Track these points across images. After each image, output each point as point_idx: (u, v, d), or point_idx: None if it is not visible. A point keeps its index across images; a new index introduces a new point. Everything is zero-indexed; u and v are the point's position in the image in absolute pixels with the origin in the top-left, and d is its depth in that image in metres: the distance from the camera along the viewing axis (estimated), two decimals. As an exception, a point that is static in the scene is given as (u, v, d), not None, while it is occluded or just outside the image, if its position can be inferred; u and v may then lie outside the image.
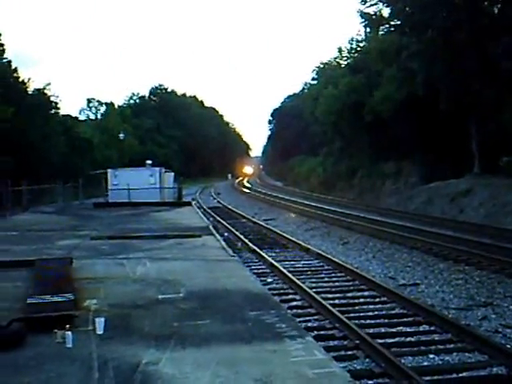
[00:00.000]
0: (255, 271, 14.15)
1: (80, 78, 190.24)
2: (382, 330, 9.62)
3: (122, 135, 61.43)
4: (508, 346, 8.52)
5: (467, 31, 32.53)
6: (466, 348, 8.56)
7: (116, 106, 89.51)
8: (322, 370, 5.72)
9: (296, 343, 6.54)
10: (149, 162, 40.21)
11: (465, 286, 12.84)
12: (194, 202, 36.64)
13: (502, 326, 9.74)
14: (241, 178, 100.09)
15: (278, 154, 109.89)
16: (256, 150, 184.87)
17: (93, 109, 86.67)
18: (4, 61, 43.59)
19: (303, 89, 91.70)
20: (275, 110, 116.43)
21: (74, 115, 68.36)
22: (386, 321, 10.12)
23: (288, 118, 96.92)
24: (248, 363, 5.88)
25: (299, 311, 10.66)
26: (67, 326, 6.81)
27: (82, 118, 79.80)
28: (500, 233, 20.36)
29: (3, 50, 43.55)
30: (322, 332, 9.38)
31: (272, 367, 5.75)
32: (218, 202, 46.53)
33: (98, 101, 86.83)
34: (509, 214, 24.02)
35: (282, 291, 12.40)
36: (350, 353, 8.48)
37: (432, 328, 9.57)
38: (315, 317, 10.36)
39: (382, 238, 20.89)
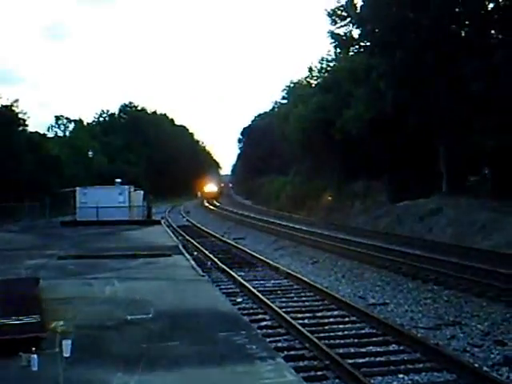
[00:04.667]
0: (225, 291, 14.05)
1: (49, 95, 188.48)
2: (352, 349, 9.61)
3: (90, 153, 60.98)
4: (476, 365, 8.58)
5: (435, 53, 33.15)
6: (435, 367, 8.60)
7: (85, 124, 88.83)
8: (293, 391, 5.70)
9: (266, 364, 6.50)
10: (118, 180, 39.91)
11: (433, 306, 12.94)
12: (163, 221, 36.42)
13: (470, 345, 9.82)
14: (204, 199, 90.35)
15: (248, 173, 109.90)
16: (226, 169, 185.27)
17: (61, 126, 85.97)
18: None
19: (273, 108, 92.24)
20: (245, 129, 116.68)
21: (42, 132, 67.62)
22: (356, 341, 10.11)
23: (258, 137, 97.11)
24: (219, 386, 5.83)
25: (269, 331, 10.60)
26: (33, 348, 6.67)
27: (51, 135, 78.96)
28: (468, 252, 20.61)
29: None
30: (291, 352, 9.33)
31: (243, 390, 5.71)
32: (188, 220, 46.32)
33: (66, 118, 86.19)
34: (476, 234, 24.35)
35: (251, 311, 12.34)
36: (319, 373, 8.46)
37: (401, 347, 9.60)
38: (285, 337, 10.32)
39: (352, 258, 20.98)
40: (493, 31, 33.42)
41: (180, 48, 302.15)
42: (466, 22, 34.46)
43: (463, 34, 34.93)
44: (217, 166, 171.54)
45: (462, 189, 34.47)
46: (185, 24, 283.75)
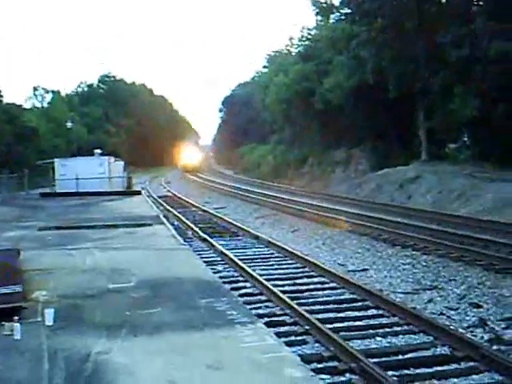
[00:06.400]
0: (206, 259, 14.14)
1: (26, 66, 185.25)
2: (331, 315, 9.77)
3: (69, 124, 60.26)
4: (452, 327, 8.80)
5: (416, 20, 33.15)
6: (412, 330, 8.81)
7: (63, 95, 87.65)
8: (273, 354, 5.81)
9: (247, 329, 6.61)
10: (98, 151, 39.58)
11: (412, 271, 13.17)
12: (143, 191, 36.35)
13: (446, 308, 10.06)
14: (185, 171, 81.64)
15: (229, 142, 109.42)
16: (207, 138, 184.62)
17: (39, 97, 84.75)
18: None
19: (254, 77, 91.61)
20: (226, 98, 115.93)
21: (19, 104, 66.63)
22: (335, 306, 10.29)
23: (239, 106, 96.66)
24: (200, 350, 5.92)
25: (250, 298, 10.73)
26: (15, 317, 6.72)
27: (28, 106, 77.84)
28: (446, 218, 20.89)
29: None
30: (272, 318, 9.48)
31: (224, 353, 5.81)
32: (168, 191, 46.24)
33: (43, 89, 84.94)
34: (455, 200, 24.67)
35: (232, 279, 12.46)
36: (299, 338, 8.62)
37: (380, 312, 9.79)
38: (266, 304, 10.46)
39: (332, 225, 21.16)
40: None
41: (157, 16, 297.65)
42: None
43: (444, 1, 34.96)
44: (197, 135, 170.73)
45: (441, 156, 34.82)
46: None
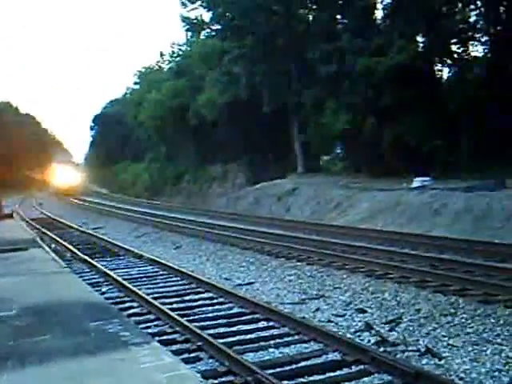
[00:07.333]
0: (89, 281, 13.69)
1: None
2: (222, 330, 9.76)
3: None
4: (340, 333, 9.06)
5: (285, 37, 34.25)
6: (302, 339, 8.98)
7: None
8: (173, 373, 5.70)
9: (143, 350, 6.44)
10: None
11: (297, 281, 13.44)
12: (14, 214, 34.63)
13: (333, 315, 10.35)
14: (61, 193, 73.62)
15: (102, 161, 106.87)
16: (79, 157, 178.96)
17: None
18: None
19: (125, 94, 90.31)
20: (97, 116, 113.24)
21: None
22: (226, 321, 10.29)
23: (110, 124, 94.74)
24: (96, 375, 5.68)
25: (140, 318, 10.52)
26: None
27: None
28: (325, 228, 21.60)
29: None
30: (164, 337, 9.33)
31: (122, 376, 5.62)
32: (41, 212, 44.40)
33: None
34: (332, 210, 25.58)
35: (118, 299, 12.16)
36: (193, 355, 8.54)
37: (270, 324, 9.90)
38: (155, 322, 10.30)
39: (214, 241, 21.23)
40: (339, 16, 35.12)
41: (20, 32, 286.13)
42: (314, 7, 35.91)
43: (311, 18, 36.40)
44: (69, 154, 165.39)
45: (316, 168, 36.09)
46: (29, 8, 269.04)
